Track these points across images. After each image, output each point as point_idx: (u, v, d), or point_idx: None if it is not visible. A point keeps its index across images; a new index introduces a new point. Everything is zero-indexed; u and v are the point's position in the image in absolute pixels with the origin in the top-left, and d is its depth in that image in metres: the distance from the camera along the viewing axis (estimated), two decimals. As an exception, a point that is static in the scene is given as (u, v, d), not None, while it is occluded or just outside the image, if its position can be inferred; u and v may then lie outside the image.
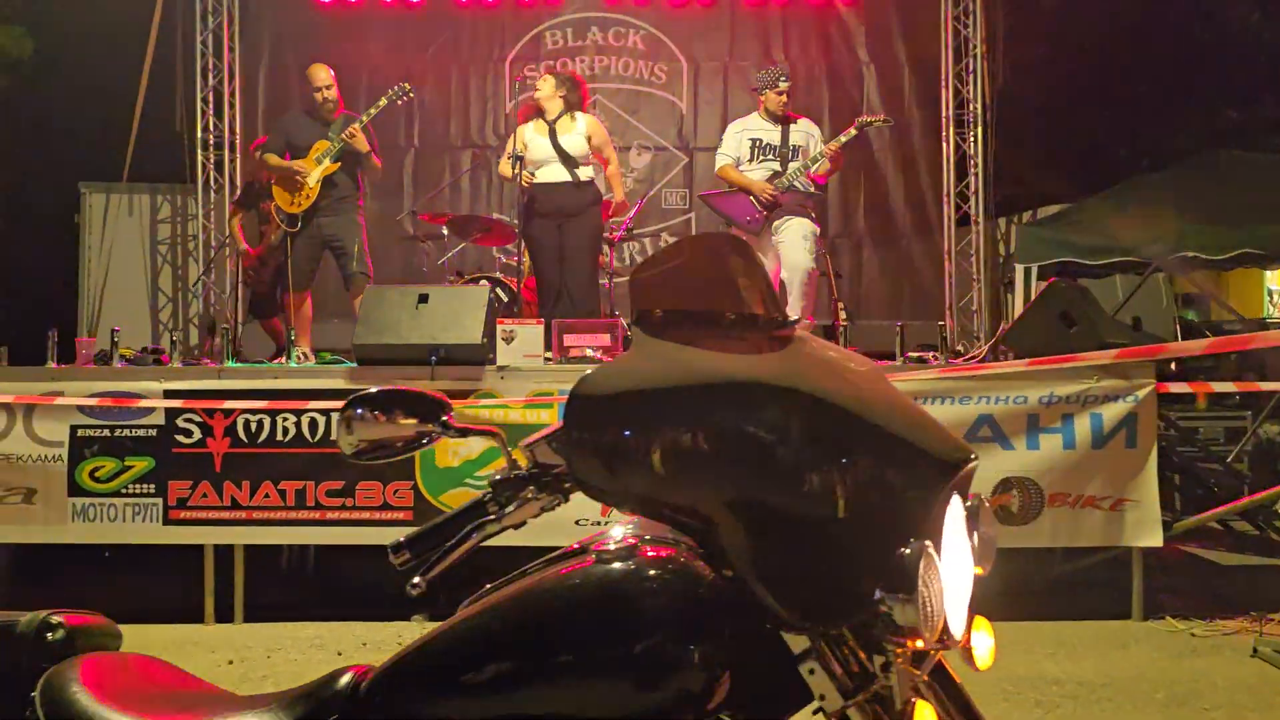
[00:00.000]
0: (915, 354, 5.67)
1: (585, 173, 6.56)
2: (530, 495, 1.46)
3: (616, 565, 1.34)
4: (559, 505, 1.48)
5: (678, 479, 1.33)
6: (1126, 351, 4.78)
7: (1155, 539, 4.99)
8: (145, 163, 9.55)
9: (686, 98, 9.25)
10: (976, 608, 1.77)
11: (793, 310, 6.56)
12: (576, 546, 1.43)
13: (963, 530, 1.39)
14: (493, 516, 1.44)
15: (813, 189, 6.56)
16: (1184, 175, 8.96)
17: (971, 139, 9.09)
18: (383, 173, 7.06)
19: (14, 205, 10.25)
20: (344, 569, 5.81)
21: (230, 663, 4.52)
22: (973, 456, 1.38)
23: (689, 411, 1.34)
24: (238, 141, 9.27)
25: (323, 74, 6.74)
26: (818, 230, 6.57)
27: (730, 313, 1.49)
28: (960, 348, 6.73)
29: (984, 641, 1.76)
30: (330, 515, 5.05)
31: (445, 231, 7.60)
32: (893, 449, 1.32)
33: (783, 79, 6.52)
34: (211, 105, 9.24)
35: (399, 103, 6.69)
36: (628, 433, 1.35)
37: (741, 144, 6.58)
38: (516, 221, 6.72)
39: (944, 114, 9.13)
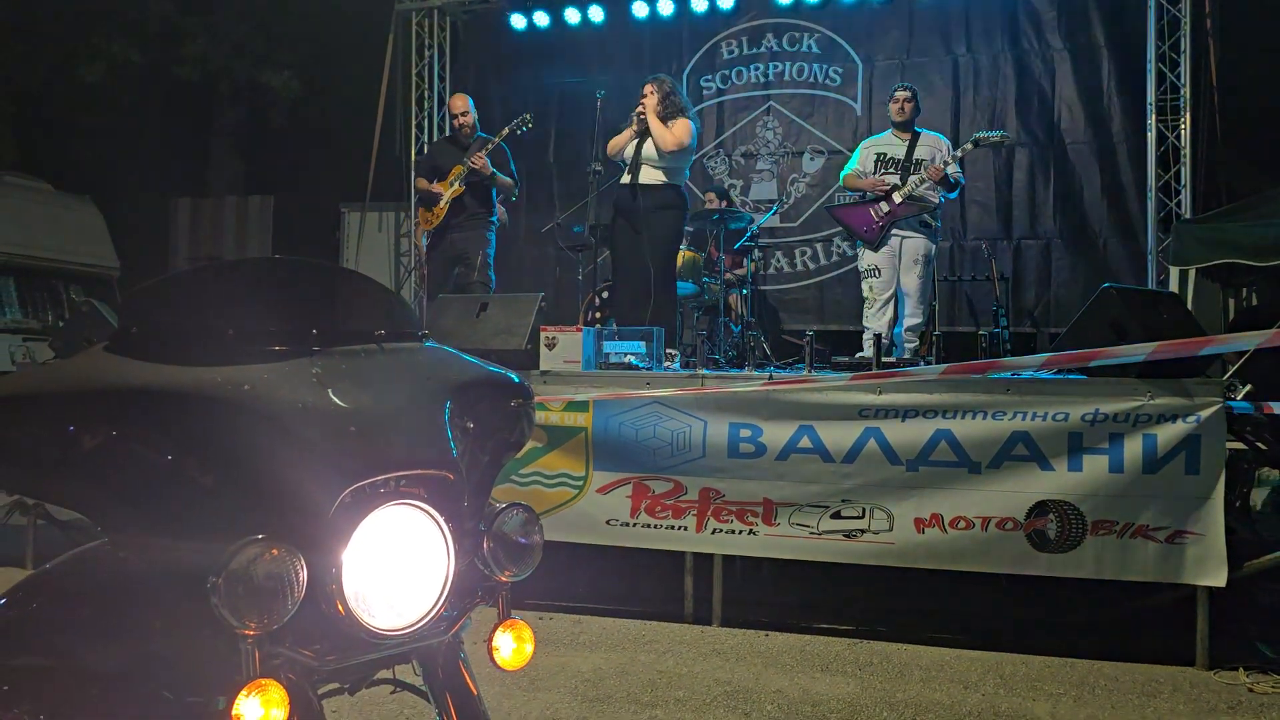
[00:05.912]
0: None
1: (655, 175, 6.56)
2: None
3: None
4: None
5: (64, 475, 1.55)
6: (1165, 345, 4.17)
7: (1218, 578, 4.40)
8: (387, 184, 10.77)
9: (861, 99, 9.02)
10: (508, 610, 1.91)
11: (910, 319, 6.45)
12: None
13: (415, 535, 1.57)
14: None
15: (935, 202, 6.47)
16: None
17: (1180, 128, 8.19)
18: (519, 189, 7.53)
19: (287, 223, 11.89)
20: None
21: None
22: (387, 474, 1.53)
23: (69, 418, 1.55)
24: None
25: (460, 102, 7.35)
26: (933, 249, 6.54)
27: (233, 330, 1.63)
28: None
29: (508, 644, 1.90)
30: None
31: (593, 240, 7.97)
32: (279, 462, 1.48)
33: (899, 88, 6.56)
34: (427, 132, 10.23)
35: (518, 133, 7.14)
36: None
37: (867, 158, 6.72)
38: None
39: (1148, 100, 8.29)
